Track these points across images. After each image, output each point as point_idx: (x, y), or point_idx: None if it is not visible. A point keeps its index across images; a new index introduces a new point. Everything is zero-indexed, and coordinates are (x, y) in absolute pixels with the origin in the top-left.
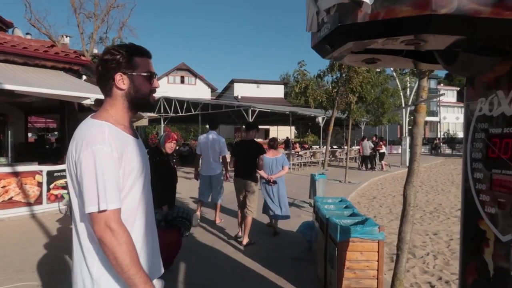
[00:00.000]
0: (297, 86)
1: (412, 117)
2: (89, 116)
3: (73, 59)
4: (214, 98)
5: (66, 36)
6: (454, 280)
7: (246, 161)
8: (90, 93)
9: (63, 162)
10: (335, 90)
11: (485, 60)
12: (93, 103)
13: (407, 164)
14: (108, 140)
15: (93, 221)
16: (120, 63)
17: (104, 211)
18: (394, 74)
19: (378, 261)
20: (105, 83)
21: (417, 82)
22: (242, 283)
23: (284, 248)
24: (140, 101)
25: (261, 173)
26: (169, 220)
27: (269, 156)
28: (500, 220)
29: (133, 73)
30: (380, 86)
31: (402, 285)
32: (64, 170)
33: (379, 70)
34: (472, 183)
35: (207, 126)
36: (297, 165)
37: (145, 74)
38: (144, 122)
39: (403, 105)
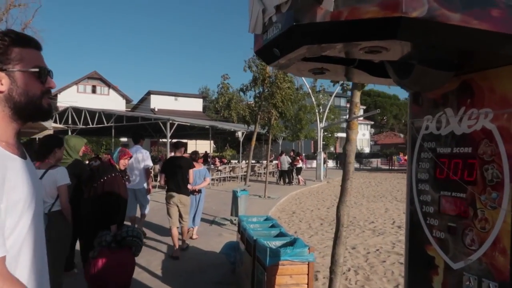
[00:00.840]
0: (220, 99)
1: (325, 133)
2: None
3: None
4: (129, 109)
5: None
6: None
7: (179, 176)
8: None
9: None
10: (258, 104)
11: (440, 74)
12: None
13: (322, 178)
14: None
15: None
16: None
17: None
18: (310, 91)
19: (308, 283)
20: None
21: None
22: None
23: (206, 271)
24: (28, 106)
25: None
26: (119, 241)
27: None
28: (450, 246)
29: (14, 69)
30: (299, 103)
31: None
32: None
33: (297, 87)
34: (418, 205)
35: (122, 139)
36: (217, 180)
37: (33, 70)
38: (48, 133)
39: (318, 121)
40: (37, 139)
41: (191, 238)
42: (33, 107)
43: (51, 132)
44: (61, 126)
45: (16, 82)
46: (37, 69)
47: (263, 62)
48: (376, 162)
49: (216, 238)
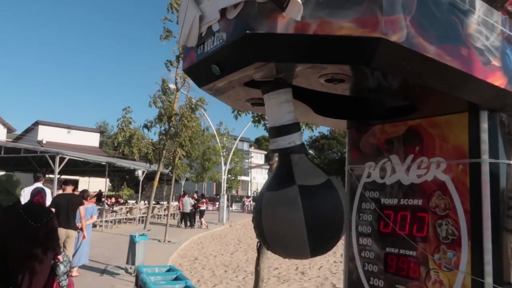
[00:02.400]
0: (120, 134)
1: (229, 175)
2: None
3: None
4: (11, 140)
5: None
6: None
7: (70, 212)
8: None
9: None
10: (163, 142)
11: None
12: None
13: (224, 221)
14: None
15: None
16: None
17: None
18: (215, 133)
19: None
20: None
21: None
22: None
23: None
24: None
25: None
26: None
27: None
28: None
29: None
30: (205, 144)
31: None
32: None
33: (203, 128)
34: (359, 262)
35: None
36: (111, 222)
37: None
38: None
39: (223, 163)
40: None
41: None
42: None
43: None
44: None
45: None
46: None
47: (169, 99)
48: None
49: None
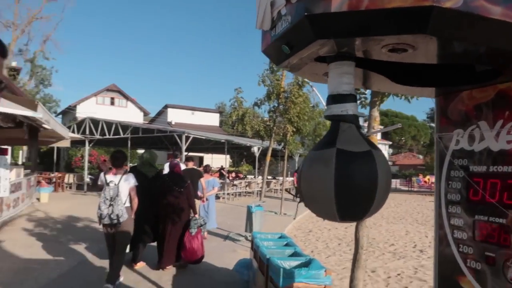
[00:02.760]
0: (234, 113)
1: None
2: None
3: None
4: (147, 122)
5: None
6: None
7: (193, 184)
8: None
9: None
10: (273, 119)
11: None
12: None
13: None
14: None
15: None
16: None
17: None
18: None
19: None
20: None
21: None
22: None
23: None
24: None
25: (198, 192)
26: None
27: (203, 178)
28: (488, 279)
29: None
30: (315, 120)
31: None
32: None
33: (313, 104)
34: (448, 230)
35: (138, 150)
36: (232, 194)
37: None
38: (65, 143)
39: None
40: (55, 148)
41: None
42: None
43: (68, 141)
44: (78, 136)
45: None
46: None
47: (276, 77)
48: (394, 183)
49: (230, 254)
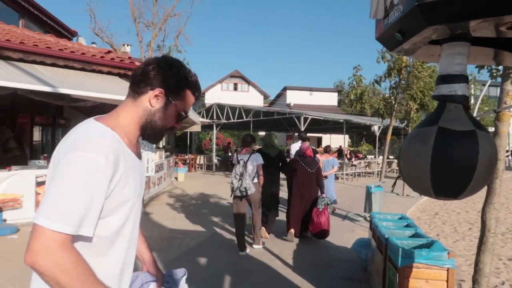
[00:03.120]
0: (352, 92)
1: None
2: (93, 118)
3: (128, 64)
4: (267, 105)
5: (127, 45)
6: None
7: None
8: None
9: None
10: (393, 97)
11: None
12: None
13: None
14: (107, 151)
15: (32, 236)
16: (171, 81)
17: (53, 231)
18: None
19: None
20: (141, 85)
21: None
22: None
23: (335, 266)
24: (154, 130)
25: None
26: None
27: (323, 158)
28: None
29: (173, 101)
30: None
31: None
32: None
33: None
34: None
35: (260, 132)
36: (351, 175)
37: (181, 111)
38: (197, 128)
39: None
40: (188, 132)
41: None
42: (156, 132)
43: (199, 126)
44: (207, 120)
45: (166, 109)
46: (184, 113)
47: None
48: None
49: (348, 234)
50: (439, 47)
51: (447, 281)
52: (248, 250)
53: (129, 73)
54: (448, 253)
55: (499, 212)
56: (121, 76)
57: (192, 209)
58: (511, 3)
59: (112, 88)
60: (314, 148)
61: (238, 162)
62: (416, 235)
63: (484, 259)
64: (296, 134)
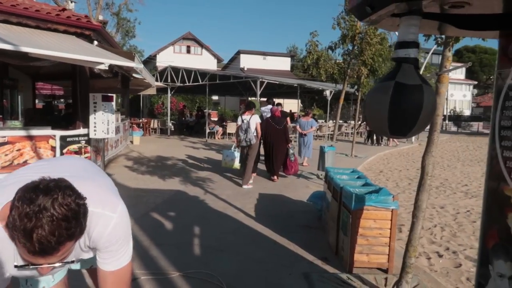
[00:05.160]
0: (309, 57)
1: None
2: None
3: (85, 23)
4: (220, 69)
5: (71, 1)
6: (461, 251)
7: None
8: (104, 58)
9: (75, 128)
10: (347, 62)
11: None
12: (107, 68)
13: (413, 140)
14: None
15: None
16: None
17: None
18: None
19: (391, 229)
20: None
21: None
22: (257, 247)
23: (294, 216)
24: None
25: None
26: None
27: (304, 120)
28: None
29: None
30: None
31: (416, 251)
32: (77, 136)
33: (390, 44)
34: (499, 150)
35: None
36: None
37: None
38: (152, 91)
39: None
40: (141, 96)
41: (302, 164)
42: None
43: (154, 89)
44: (161, 84)
45: None
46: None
47: (352, 19)
48: (477, 125)
49: (303, 190)
50: (398, 19)
51: (391, 220)
52: (251, 186)
53: (86, 32)
54: (393, 197)
55: (436, 164)
56: (77, 35)
57: (152, 170)
58: None
59: (72, 48)
60: (285, 111)
61: (242, 121)
62: (366, 185)
63: (422, 197)
64: (253, 98)
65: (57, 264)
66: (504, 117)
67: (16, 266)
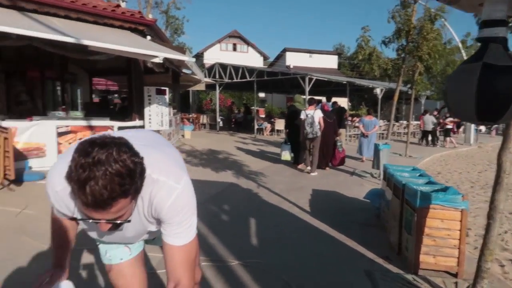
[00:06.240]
0: (360, 52)
1: None
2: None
3: (139, 19)
4: (266, 66)
5: (123, 0)
6: None
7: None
8: (159, 52)
9: (131, 120)
10: (402, 58)
11: None
12: (161, 61)
13: (471, 141)
14: None
15: None
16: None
17: None
18: (460, 45)
19: (460, 230)
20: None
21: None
22: (314, 241)
23: (350, 213)
24: None
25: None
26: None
27: (367, 119)
28: None
29: None
30: (446, 58)
31: (492, 255)
32: (133, 127)
33: (445, 41)
34: None
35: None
36: (353, 136)
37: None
38: (201, 86)
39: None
40: (190, 91)
41: (362, 161)
42: None
43: (203, 85)
44: (210, 80)
45: None
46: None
47: (407, 13)
48: None
49: (358, 187)
50: None
51: (461, 221)
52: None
53: (140, 28)
54: (462, 196)
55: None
56: (132, 30)
57: (204, 163)
58: None
59: (128, 42)
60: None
61: (307, 116)
62: (430, 183)
63: (499, 197)
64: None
65: (117, 221)
66: None
67: (75, 219)
